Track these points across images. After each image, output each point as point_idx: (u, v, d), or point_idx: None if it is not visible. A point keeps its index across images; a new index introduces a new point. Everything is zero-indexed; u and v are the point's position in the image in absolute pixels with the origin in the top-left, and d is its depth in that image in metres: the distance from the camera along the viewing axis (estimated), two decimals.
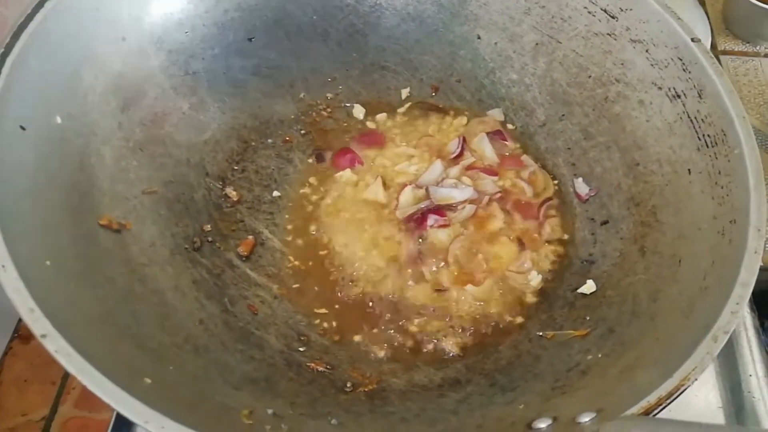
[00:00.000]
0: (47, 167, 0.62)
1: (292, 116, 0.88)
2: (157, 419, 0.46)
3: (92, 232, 0.64)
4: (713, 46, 1.17)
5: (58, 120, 0.65)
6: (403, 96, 0.92)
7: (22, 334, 0.92)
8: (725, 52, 1.19)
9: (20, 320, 0.91)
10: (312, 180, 0.85)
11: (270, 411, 0.57)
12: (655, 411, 0.49)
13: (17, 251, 0.51)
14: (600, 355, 0.62)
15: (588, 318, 0.69)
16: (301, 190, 0.84)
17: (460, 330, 0.73)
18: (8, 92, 0.59)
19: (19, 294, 0.49)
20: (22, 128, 0.60)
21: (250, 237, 0.78)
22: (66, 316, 0.50)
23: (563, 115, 0.85)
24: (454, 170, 0.83)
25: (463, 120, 0.90)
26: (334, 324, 0.73)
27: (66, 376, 0.89)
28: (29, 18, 0.64)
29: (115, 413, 0.73)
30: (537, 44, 0.86)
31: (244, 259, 0.76)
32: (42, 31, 0.64)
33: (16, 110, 0.60)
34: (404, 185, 0.82)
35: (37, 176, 0.60)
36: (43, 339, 0.47)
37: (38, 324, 0.48)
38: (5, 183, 0.55)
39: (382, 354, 0.71)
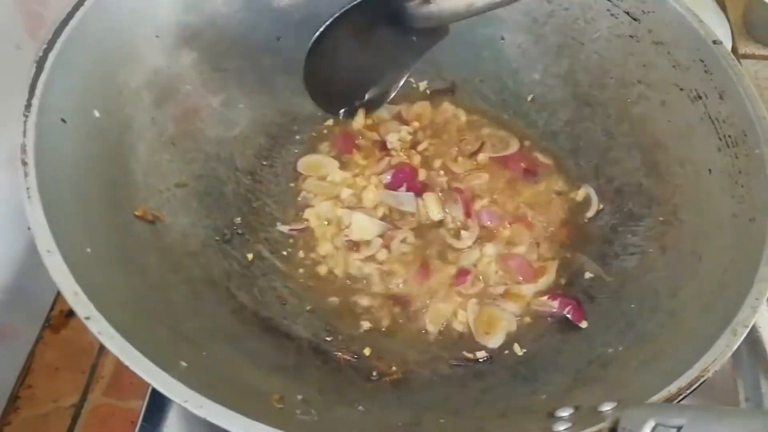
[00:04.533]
0: (86, 159, 0.64)
1: (319, 113, 0.90)
2: (196, 399, 0.47)
3: (128, 222, 0.67)
4: (734, 50, 1.17)
5: (96, 114, 0.67)
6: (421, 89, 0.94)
7: (52, 323, 0.94)
8: (746, 56, 1.19)
9: (51, 310, 0.93)
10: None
11: (299, 397, 0.59)
12: (675, 401, 0.51)
13: (61, 238, 0.53)
14: (621, 349, 0.64)
15: (608, 313, 0.71)
16: None
17: None
18: (51, 86, 0.61)
19: (64, 278, 0.51)
20: (63, 121, 0.62)
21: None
22: (105, 301, 0.52)
23: (586, 115, 0.86)
24: None
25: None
26: (361, 314, 0.74)
27: (95, 365, 0.90)
28: (69, 16, 0.66)
29: (146, 402, 0.75)
30: (560, 46, 0.87)
31: (273, 251, 0.78)
32: (81, 28, 0.66)
33: (58, 104, 0.62)
34: None
35: (77, 168, 0.62)
36: (87, 321, 0.49)
37: (83, 307, 0.50)
38: (50, 173, 0.57)
39: (407, 344, 0.72)
